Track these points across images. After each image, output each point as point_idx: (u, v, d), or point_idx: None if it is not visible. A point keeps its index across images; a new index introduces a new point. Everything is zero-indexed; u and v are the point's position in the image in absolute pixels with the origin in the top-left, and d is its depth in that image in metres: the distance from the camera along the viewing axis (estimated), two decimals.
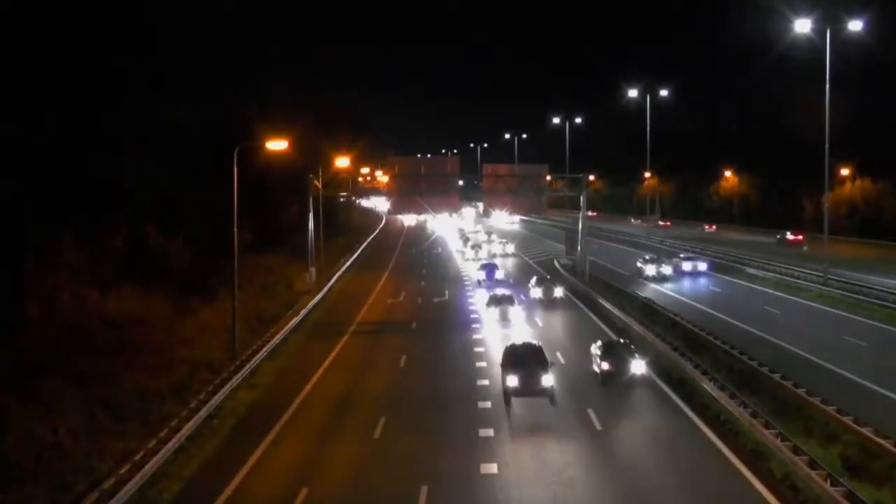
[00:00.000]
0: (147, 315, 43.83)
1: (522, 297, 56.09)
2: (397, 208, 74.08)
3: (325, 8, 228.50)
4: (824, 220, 65.64)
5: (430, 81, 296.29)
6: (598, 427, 28.89)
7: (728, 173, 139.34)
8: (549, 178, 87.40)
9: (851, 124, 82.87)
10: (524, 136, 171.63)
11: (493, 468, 24.87)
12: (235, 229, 40.04)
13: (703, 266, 71.38)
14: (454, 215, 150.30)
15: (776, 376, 33.14)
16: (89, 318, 41.37)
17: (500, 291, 52.84)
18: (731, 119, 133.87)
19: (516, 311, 49.32)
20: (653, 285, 65.59)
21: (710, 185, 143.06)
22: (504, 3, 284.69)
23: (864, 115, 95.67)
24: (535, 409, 30.66)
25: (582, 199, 67.51)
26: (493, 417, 30.05)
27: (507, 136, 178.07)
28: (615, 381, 33.96)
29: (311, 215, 68.82)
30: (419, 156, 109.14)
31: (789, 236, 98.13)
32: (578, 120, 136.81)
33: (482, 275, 65.45)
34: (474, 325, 48.59)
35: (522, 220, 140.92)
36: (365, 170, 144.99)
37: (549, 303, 55.74)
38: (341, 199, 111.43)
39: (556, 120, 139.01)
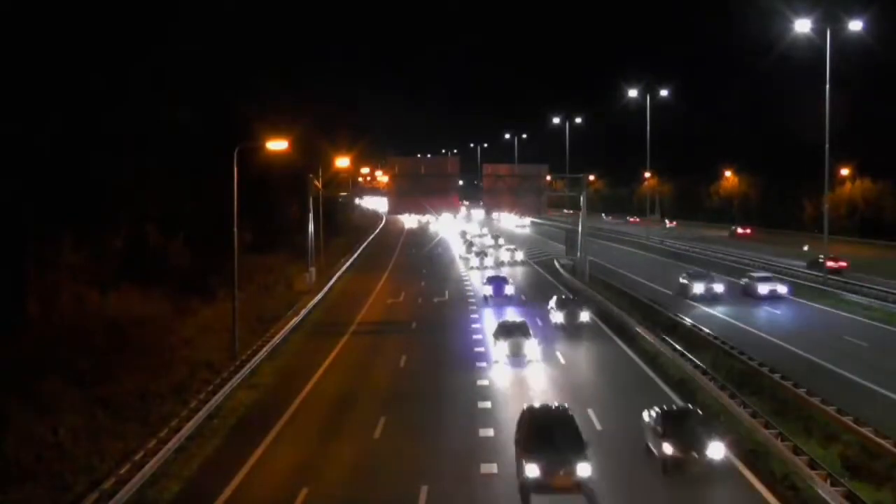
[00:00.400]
0: (147, 315, 43.81)
1: (538, 321, 47.76)
2: (397, 208, 73.94)
3: (325, 8, 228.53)
4: (824, 220, 65.64)
5: (431, 81, 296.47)
6: None
7: (728, 173, 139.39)
8: (549, 178, 79.62)
9: (851, 124, 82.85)
10: (524, 136, 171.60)
11: (493, 468, 24.87)
12: (235, 229, 40.05)
13: (783, 290, 56.98)
14: (458, 216, 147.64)
15: None
16: (89, 318, 41.35)
17: (510, 319, 43.60)
18: (731, 119, 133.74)
19: (531, 346, 38.49)
20: (703, 307, 53.44)
21: (710, 185, 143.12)
22: (504, 3, 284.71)
23: (864, 114, 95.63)
24: None
25: (582, 199, 67.51)
26: (493, 417, 30.06)
27: (507, 136, 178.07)
28: (684, 471, 23.76)
29: (311, 215, 68.83)
30: (419, 156, 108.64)
31: (738, 230, 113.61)
32: (578, 120, 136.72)
33: (489, 290, 57.63)
34: (479, 364, 38.48)
35: (534, 223, 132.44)
36: (365, 170, 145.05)
37: (572, 330, 45.85)
38: (341, 199, 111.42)
39: (556, 120, 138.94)
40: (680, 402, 29.44)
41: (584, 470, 22.26)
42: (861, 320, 49.28)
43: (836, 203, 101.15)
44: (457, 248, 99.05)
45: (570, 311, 47.03)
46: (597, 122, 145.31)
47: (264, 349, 40.02)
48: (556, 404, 26.96)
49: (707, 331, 43.50)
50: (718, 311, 52.48)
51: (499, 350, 38.53)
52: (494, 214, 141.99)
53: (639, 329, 44.07)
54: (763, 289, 56.96)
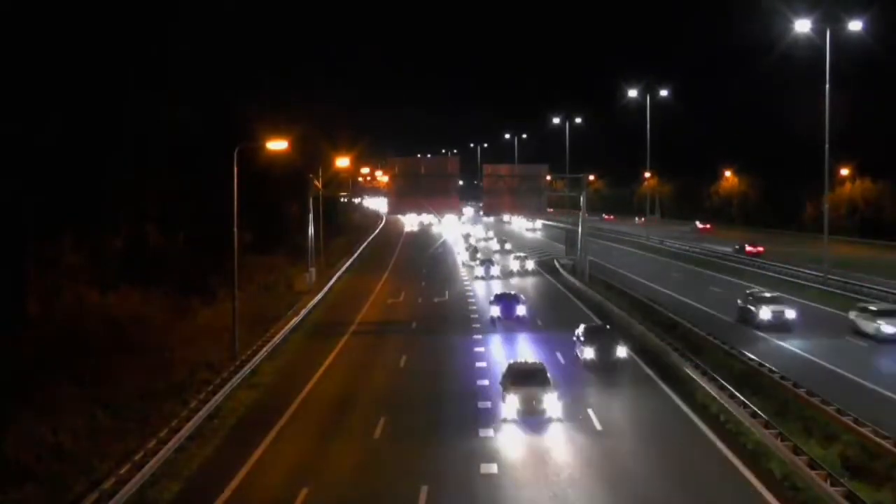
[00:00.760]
0: (147, 315, 43.83)
1: (559, 356, 39.16)
2: (397, 208, 73.94)
3: (325, 8, 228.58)
4: (824, 220, 65.64)
5: (431, 81, 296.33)
6: None
7: (728, 173, 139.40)
8: (549, 178, 76.76)
9: (851, 124, 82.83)
10: (524, 136, 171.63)
11: (493, 468, 24.86)
12: (235, 229, 40.05)
13: (791, 315, 46.95)
14: (463, 218, 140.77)
15: None
16: (89, 318, 41.36)
17: (523, 360, 34.20)
18: (731, 119, 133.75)
19: (552, 400, 29.30)
20: (773, 339, 43.14)
21: (710, 185, 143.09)
22: (504, 3, 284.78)
23: (864, 115, 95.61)
24: None
25: (582, 199, 67.51)
26: (494, 417, 30.04)
27: (507, 136, 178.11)
28: None
29: (311, 215, 68.83)
30: (419, 156, 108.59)
31: (699, 225, 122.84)
32: (578, 120, 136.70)
33: (496, 310, 49.03)
34: (482, 433, 28.43)
35: (546, 226, 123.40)
36: (365, 170, 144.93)
37: (605, 370, 36.46)
38: (342, 199, 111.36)
39: (556, 120, 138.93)
40: None
41: None
42: None
43: (836, 203, 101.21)
44: (460, 253, 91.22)
45: (602, 345, 37.36)
46: (597, 122, 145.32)
47: (264, 349, 40.02)
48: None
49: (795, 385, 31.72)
50: (795, 347, 41.47)
51: (509, 405, 29.31)
52: (506, 217, 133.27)
53: (690, 371, 33.97)
54: (765, 313, 46.63)
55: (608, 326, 41.82)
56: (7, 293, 40.44)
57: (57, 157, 47.53)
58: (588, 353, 37.31)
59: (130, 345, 38.25)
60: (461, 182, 73.97)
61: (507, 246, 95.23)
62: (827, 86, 60.35)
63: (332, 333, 46.76)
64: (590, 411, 30.42)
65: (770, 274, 69.51)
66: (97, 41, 52.22)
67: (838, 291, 58.23)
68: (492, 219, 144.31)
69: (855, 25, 59.44)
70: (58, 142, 47.59)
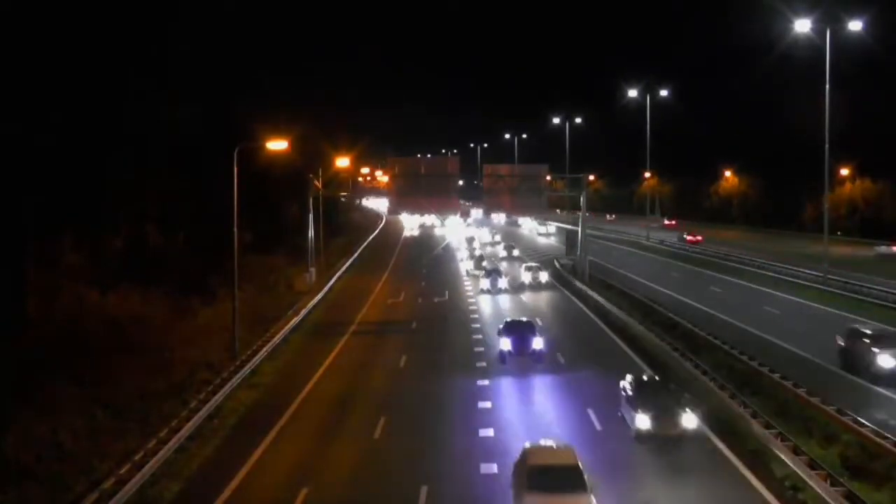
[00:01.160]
0: (147, 315, 43.82)
1: (594, 419, 29.31)
2: (397, 208, 73.90)
3: (325, 8, 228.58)
4: (824, 220, 65.66)
5: (431, 81, 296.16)
6: None
7: (728, 173, 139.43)
8: (549, 178, 76.82)
9: (851, 124, 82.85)
10: (524, 136, 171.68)
11: (493, 468, 24.85)
12: (235, 229, 40.05)
13: None
14: (469, 220, 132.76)
15: None
16: (89, 318, 41.35)
17: (545, 444, 23.21)
18: (731, 119, 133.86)
19: None
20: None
21: (710, 185, 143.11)
22: (504, 3, 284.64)
23: (864, 114, 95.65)
24: None
25: (582, 199, 67.51)
26: (493, 417, 30.04)
27: (507, 136, 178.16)
28: None
29: (311, 215, 68.83)
30: (419, 156, 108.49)
31: (665, 221, 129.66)
32: (578, 120, 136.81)
33: (507, 343, 38.10)
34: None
35: (560, 229, 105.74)
36: (365, 170, 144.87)
37: (666, 447, 25.97)
38: (342, 199, 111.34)
39: (556, 120, 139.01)
40: None
41: None
42: None
43: (836, 203, 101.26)
44: (463, 260, 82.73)
45: (662, 410, 26.69)
46: (597, 122, 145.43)
47: (264, 349, 40.01)
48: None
49: None
50: None
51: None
52: (519, 219, 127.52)
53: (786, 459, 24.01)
54: (887, 360, 33.29)
55: (670, 385, 29.57)
56: (7, 293, 40.42)
57: (57, 157, 47.51)
58: (642, 421, 26.40)
59: (130, 345, 38.24)
60: (461, 182, 74.01)
61: (516, 252, 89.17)
62: (827, 86, 60.37)
63: (332, 333, 46.75)
64: None
65: (769, 274, 69.54)
66: (97, 41, 52.22)
67: (838, 291, 58.25)
68: (502, 221, 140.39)
69: (855, 25, 59.47)
70: (58, 142, 47.59)
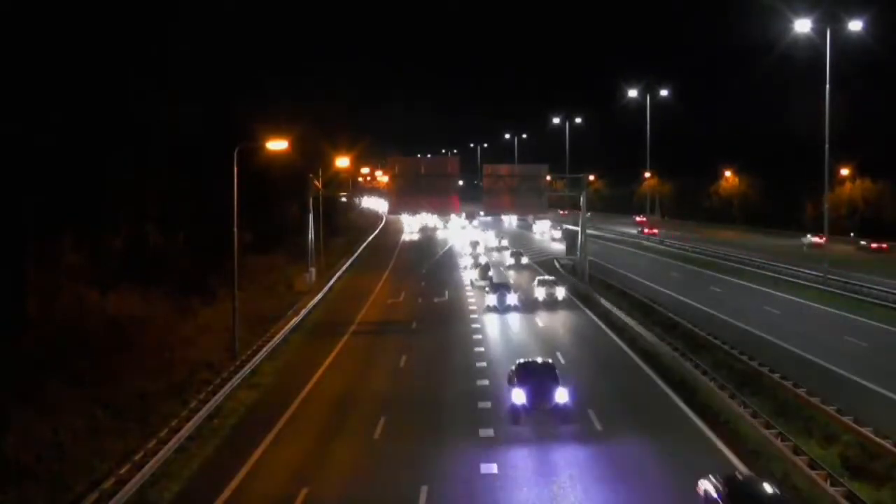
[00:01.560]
0: (147, 315, 43.84)
1: None
2: (397, 208, 73.81)
3: (325, 8, 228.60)
4: (824, 221, 65.65)
5: (431, 81, 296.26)
6: None
7: (728, 173, 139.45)
8: (549, 178, 74.01)
9: (851, 124, 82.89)
10: (524, 136, 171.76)
11: (493, 468, 24.84)
12: (235, 229, 40.06)
13: None
14: (472, 221, 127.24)
15: None
16: (89, 318, 41.36)
17: None
18: (731, 119, 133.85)
19: None
20: None
21: (710, 185, 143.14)
22: (504, 3, 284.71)
23: (864, 114, 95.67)
24: None
25: (582, 199, 67.50)
26: (493, 417, 30.03)
27: (507, 136, 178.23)
28: None
29: (311, 215, 68.83)
30: (419, 156, 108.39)
31: (637, 218, 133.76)
32: (578, 120, 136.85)
33: (521, 395, 28.99)
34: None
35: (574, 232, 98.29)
36: (365, 170, 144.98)
37: None
38: (342, 199, 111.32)
39: (556, 120, 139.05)
40: None
41: None
42: None
43: (836, 203, 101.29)
44: (467, 268, 75.15)
45: None
46: (597, 122, 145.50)
47: (264, 349, 40.02)
48: None
49: None
50: None
51: None
52: (535, 221, 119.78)
53: None
54: None
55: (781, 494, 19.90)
56: (7, 293, 40.41)
57: (57, 157, 47.51)
58: None
59: (130, 345, 38.27)
60: (461, 182, 73.95)
61: (525, 259, 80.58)
62: (827, 86, 60.42)
63: (332, 333, 46.75)
64: None
65: (769, 274, 69.55)
66: (97, 41, 52.21)
67: (838, 291, 58.25)
68: (513, 223, 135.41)
69: (855, 25, 59.57)
70: (58, 142, 47.58)
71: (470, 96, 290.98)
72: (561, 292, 57.47)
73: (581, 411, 29.46)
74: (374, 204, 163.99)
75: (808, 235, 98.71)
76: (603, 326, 48.24)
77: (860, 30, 59.89)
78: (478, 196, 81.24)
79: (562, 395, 28.84)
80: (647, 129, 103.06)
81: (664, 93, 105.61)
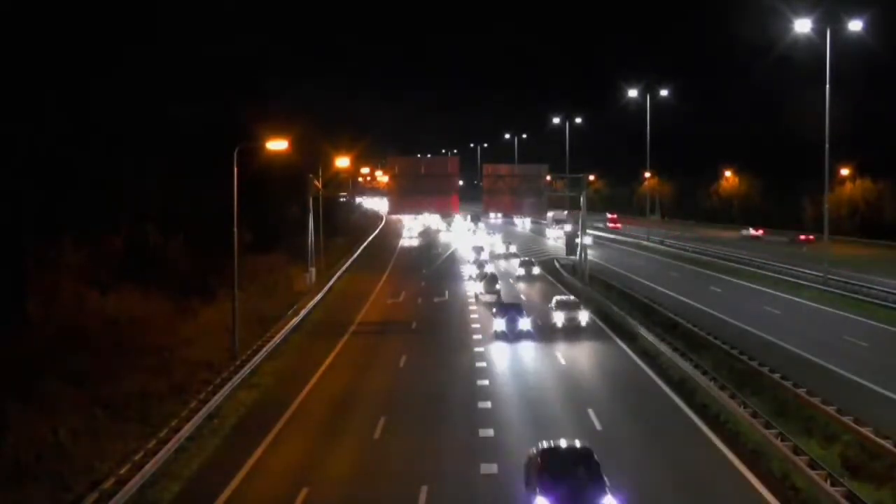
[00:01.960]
0: (147, 315, 43.80)
1: None
2: (397, 208, 73.79)
3: (325, 8, 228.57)
4: (824, 220, 65.65)
5: (431, 81, 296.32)
6: None
7: (728, 173, 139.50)
8: (549, 178, 73.20)
9: (851, 124, 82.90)
10: (524, 136, 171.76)
11: (493, 468, 24.84)
12: (235, 229, 40.04)
13: None
14: (478, 224, 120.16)
15: None
16: (89, 318, 41.35)
17: None
18: (731, 119, 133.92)
19: None
20: None
21: (710, 185, 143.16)
22: (504, 3, 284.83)
23: (864, 115, 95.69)
24: None
25: (582, 199, 67.51)
26: (493, 417, 30.03)
27: (507, 136, 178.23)
28: None
29: (310, 215, 68.81)
30: (419, 156, 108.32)
31: (609, 215, 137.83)
32: (578, 120, 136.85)
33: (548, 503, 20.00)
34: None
35: (597, 241, 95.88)
36: (365, 170, 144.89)
37: None
38: (342, 199, 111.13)
39: (556, 120, 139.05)
40: None
41: None
42: None
43: (836, 203, 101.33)
44: (472, 277, 66.45)
45: None
46: (597, 123, 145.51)
47: (264, 349, 40.00)
48: None
49: None
50: None
51: None
52: (551, 223, 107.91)
53: None
54: None
55: None
56: (7, 293, 40.41)
57: (57, 156, 47.51)
58: None
59: (130, 345, 38.24)
60: (461, 182, 73.88)
61: (536, 270, 72.41)
62: (827, 86, 60.41)
63: (332, 333, 46.72)
64: None
65: (769, 274, 69.58)
66: (97, 41, 52.25)
67: (838, 291, 58.23)
68: (527, 226, 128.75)
69: (855, 25, 59.52)
70: (58, 142, 47.59)
71: (470, 96, 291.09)
72: (584, 317, 47.18)
73: None
74: (375, 204, 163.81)
75: (749, 228, 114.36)
76: (642, 365, 38.14)
77: (860, 30, 59.89)
78: (478, 196, 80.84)
79: (607, 503, 19.91)
80: (647, 129, 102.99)
81: (664, 93, 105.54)
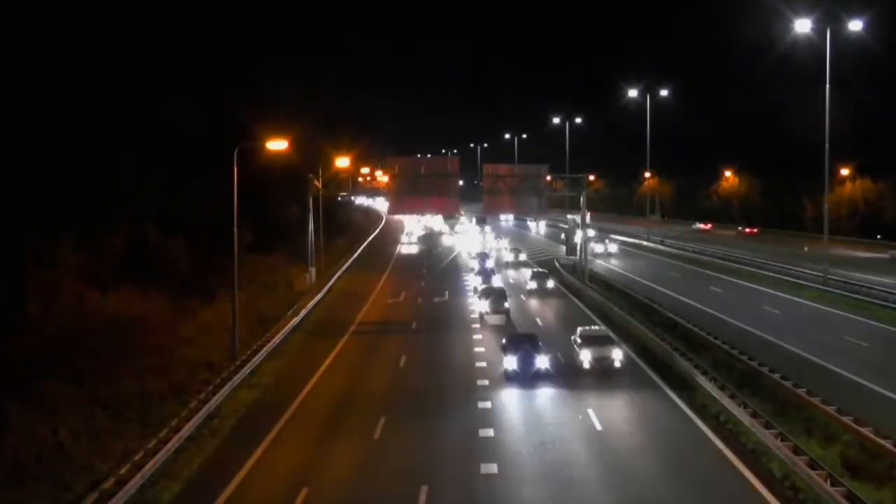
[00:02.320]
0: (147, 315, 43.80)
1: None
2: (397, 208, 73.67)
3: (326, 7, 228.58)
4: (824, 220, 65.66)
5: (431, 81, 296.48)
6: None
7: (728, 173, 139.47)
8: (549, 178, 71.01)
9: (851, 124, 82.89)
10: (524, 136, 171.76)
11: (493, 468, 24.84)
12: (235, 229, 40.05)
13: None
14: (486, 227, 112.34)
15: None
16: (89, 318, 41.33)
17: None
18: (731, 119, 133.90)
19: None
20: None
21: (710, 185, 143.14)
22: (504, 3, 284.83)
23: (864, 115, 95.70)
24: None
25: (582, 199, 67.54)
26: (493, 417, 30.03)
27: (507, 136, 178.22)
28: None
29: (311, 215, 68.81)
30: (419, 156, 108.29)
31: (568, 216, 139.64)
32: (578, 120, 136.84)
33: None
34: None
35: (624, 247, 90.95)
36: (365, 170, 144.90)
37: None
38: (342, 199, 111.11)
39: (556, 120, 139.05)
40: None
41: None
42: None
43: (836, 203, 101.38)
44: (477, 290, 57.41)
45: None
46: (597, 122, 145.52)
47: (264, 349, 40.01)
48: None
49: None
50: None
51: None
52: (575, 227, 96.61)
53: None
54: None
55: None
56: (7, 293, 40.40)
57: (57, 156, 47.49)
58: None
59: (130, 345, 38.23)
60: (461, 182, 73.82)
61: (550, 283, 63.13)
62: (827, 86, 60.39)
63: (332, 333, 46.73)
64: None
65: (769, 274, 69.59)
66: (97, 40, 52.19)
67: (838, 291, 58.24)
68: (541, 230, 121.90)
69: (855, 25, 59.51)
70: (57, 141, 47.57)
71: (470, 96, 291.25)
72: (619, 355, 36.80)
73: None
74: (375, 204, 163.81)
75: (699, 223, 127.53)
76: (714, 438, 27.42)
77: (860, 30, 59.88)
78: (478, 196, 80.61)
79: None
80: (647, 129, 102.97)
81: (664, 93, 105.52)
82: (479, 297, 52.46)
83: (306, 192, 68.86)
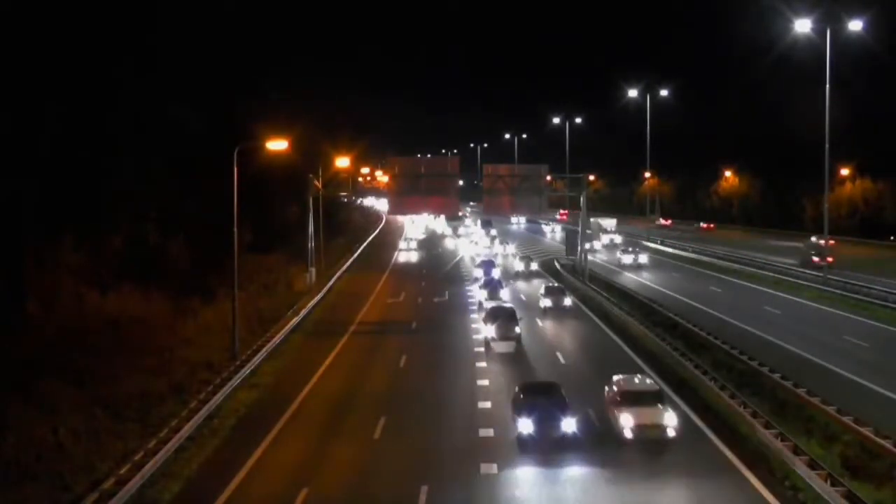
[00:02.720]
0: (147, 315, 43.82)
1: None
2: (397, 208, 73.65)
3: (325, 8, 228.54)
4: (824, 220, 65.66)
5: (431, 81, 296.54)
6: None
7: (728, 173, 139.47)
8: (549, 178, 72.01)
9: (851, 124, 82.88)
10: (524, 136, 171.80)
11: (493, 468, 24.84)
12: (235, 229, 40.04)
13: None
14: (492, 230, 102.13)
15: None
16: (89, 318, 41.34)
17: None
18: (731, 119, 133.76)
19: None
20: None
21: (710, 185, 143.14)
22: (505, 4, 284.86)
23: (864, 114, 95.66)
24: None
25: (582, 199, 67.55)
26: (493, 417, 30.03)
27: (507, 136, 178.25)
28: None
29: (310, 215, 68.80)
30: (419, 156, 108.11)
31: (560, 211, 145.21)
32: (578, 120, 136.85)
33: None
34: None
35: (663, 256, 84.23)
36: (365, 170, 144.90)
37: None
38: (342, 199, 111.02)
39: (556, 120, 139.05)
40: None
41: None
42: None
43: (836, 203, 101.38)
44: (481, 307, 51.32)
45: None
46: (597, 122, 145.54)
47: (264, 349, 40.00)
48: None
49: None
50: None
51: None
52: (605, 231, 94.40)
53: None
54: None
55: None
56: (7, 293, 40.41)
57: (56, 156, 47.49)
58: None
59: (130, 345, 38.24)
60: (461, 182, 73.86)
61: (567, 302, 52.31)
62: (827, 86, 60.38)
63: (331, 333, 46.72)
64: None
65: (769, 274, 69.59)
66: (97, 41, 52.18)
67: (838, 291, 58.24)
68: (556, 235, 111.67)
69: (855, 25, 59.50)
70: (57, 142, 47.56)
71: (470, 96, 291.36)
72: (673, 420, 26.84)
73: None
74: (375, 204, 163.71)
75: (660, 218, 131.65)
76: None
77: (860, 30, 59.87)
78: (478, 196, 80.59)
79: None
80: (647, 129, 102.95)
81: (664, 93, 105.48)
82: (485, 321, 43.74)
83: (306, 192, 68.86)
